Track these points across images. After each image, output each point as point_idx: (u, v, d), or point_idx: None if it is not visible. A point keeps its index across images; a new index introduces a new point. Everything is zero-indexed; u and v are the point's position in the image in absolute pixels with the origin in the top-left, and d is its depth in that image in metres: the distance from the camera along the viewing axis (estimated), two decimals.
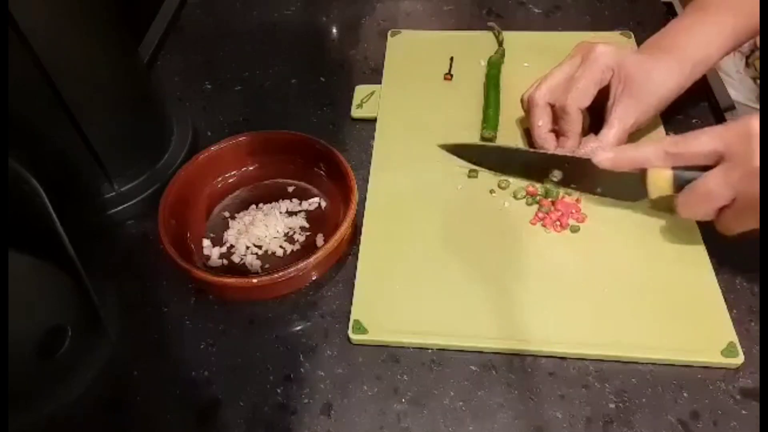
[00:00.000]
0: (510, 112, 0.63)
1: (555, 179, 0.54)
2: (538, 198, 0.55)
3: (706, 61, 0.55)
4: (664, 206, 0.52)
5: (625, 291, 0.49)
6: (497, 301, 0.49)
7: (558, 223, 0.54)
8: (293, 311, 0.51)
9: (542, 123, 0.57)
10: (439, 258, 0.52)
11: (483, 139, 0.61)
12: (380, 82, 0.68)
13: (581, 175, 0.53)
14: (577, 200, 0.55)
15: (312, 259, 0.48)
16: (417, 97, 0.66)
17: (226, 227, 0.56)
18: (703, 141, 0.46)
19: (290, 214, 0.56)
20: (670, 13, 0.76)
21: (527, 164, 0.56)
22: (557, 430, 0.43)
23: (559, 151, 0.56)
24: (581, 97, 0.55)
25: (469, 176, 0.58)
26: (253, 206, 0.57)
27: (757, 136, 0.42)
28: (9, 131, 0.46)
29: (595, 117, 0.57)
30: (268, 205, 0.57)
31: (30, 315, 0.44)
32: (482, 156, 0.58)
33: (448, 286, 0.50)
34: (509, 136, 0.61)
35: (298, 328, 0.50)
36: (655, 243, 0.52)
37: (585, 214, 0.54)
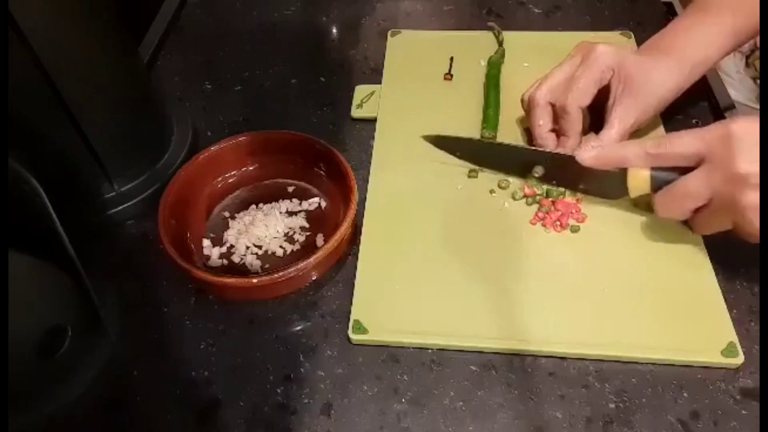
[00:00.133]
0: (510, 112, 0.63)
1: (537, 175, 0.55)
2: (538, 198, 0.55)
3: (705, 62, 0.55)
4: (644, 205, 0.53)
5: (625, 291, 0.49)
6: (497, 301, 0.49)
7: (558, 223, 0.54)
8: (293, 311, 0.51)
9: (543, 123, 0.57)
10: (439, 258, 0.52)
11: (483, 138, 0.61)
12: (380, 82, 0.68)
13: (564, 172, 0.54)
14: (578, 200, 0.55)
15: (312, 259, 0.48)
16: (417, 97, 0.66)
17: (226, 227, 0.56)
18: (684, 142, 0.47)
19: (290, 214, 0.56)
20: (670, 13, 0.76)
21: (509, 158, 0.56)
22: (557, 430, 0.43)
23: (542, 148, 0.56)
24: (581, 97, 0.55)
25: (469, 176, 0.58)
26: (253, 206, 0.57)
27: (737, 139, 0.43)
28: (9, 131, 0.46)
29: (596, 117, 0.57)
30: (268, 205, 0.57)
31: (30, 315, 0.44)
32: (464, 149, 0.58)
33: (448, 286, 0.50)
34: (509, 136, 0.61)
35: (298, 328, 0.50)
36: (655, 243, 0.52)
37: (585, 214, 0.54)
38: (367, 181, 0.58)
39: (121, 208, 0.57)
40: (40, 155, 0.51)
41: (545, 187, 0.56)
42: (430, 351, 0.48)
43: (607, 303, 0.48)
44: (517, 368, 0.46)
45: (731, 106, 0.65)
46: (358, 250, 0.53)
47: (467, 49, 0.71)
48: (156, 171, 0.60)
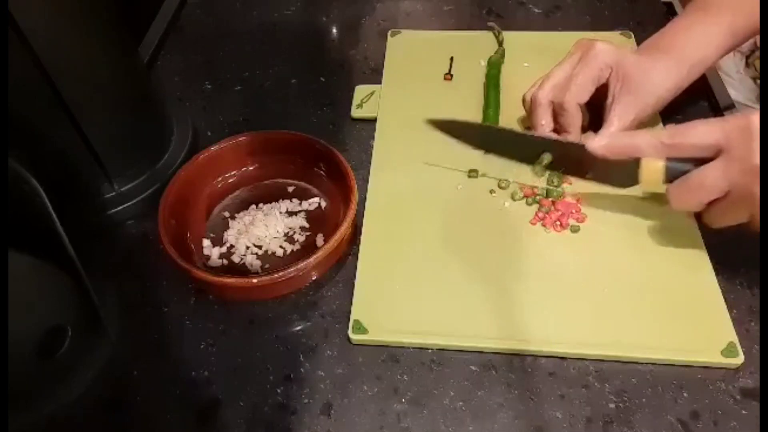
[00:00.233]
0: (510, 112, 0.63)
1: (544, 162, 0.54)
2: (538, 198, 0.55)
3: (704, 61, 0.55)
4: (652, 195, 0.52)
5: (625, 291, 0.49)
6: (497, 301, 0.49)
7: (558, 223, 0.54)
8: (293, 311, 0.51)
9: (545, 122, 0.57)
10: (439, 258, 0.52)
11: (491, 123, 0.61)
12: (380, 82, 0.68)
13: (572, 160, 0.53)
14: (578, 200, 0.55)
15: (312, 259, 0.48)
16: (417, 97, 0.66)
17: (226, 227, 0.56)
18: (701, 132, 0.45)
19: (290, 214, 0.56)
20: (670, 13, 0.76)
21: (517, 144, 0.55)
22: (557, 430, 0.43)
23: (552, 136, 0.56)
24: (579, 93, 0.55)
25: (469, 176, 0.58)
26: (253, 206, 0.57)
27: (758, 132, 0.42)
28: (9, 131, 0.46)
29: (595, 116, 0.57)
30: (268, 205, 0.57)
31: (30, 315, 0.44)
32: (471, 134, 0.57)
33: (448, 286, 0.50)
34: None
35: (298, 328, 0.50)
36: (656, 243, 0.52)
37: (585, 214, 0.54)
38: (367, 181, 0.58)
39: (121, 208, 0.57)
40: (40, 155, 0.51)
41: (545, 186, 0.56)
42: (430, 351, 0.48)
43: (607, 303, 0.48)
44: (517, 368, 0.46)
45: (731, 106, 0.65)
46: (358, 250, 0.53)
47: (467, 49, 0.71)
48: (156, 171, 0.60)
